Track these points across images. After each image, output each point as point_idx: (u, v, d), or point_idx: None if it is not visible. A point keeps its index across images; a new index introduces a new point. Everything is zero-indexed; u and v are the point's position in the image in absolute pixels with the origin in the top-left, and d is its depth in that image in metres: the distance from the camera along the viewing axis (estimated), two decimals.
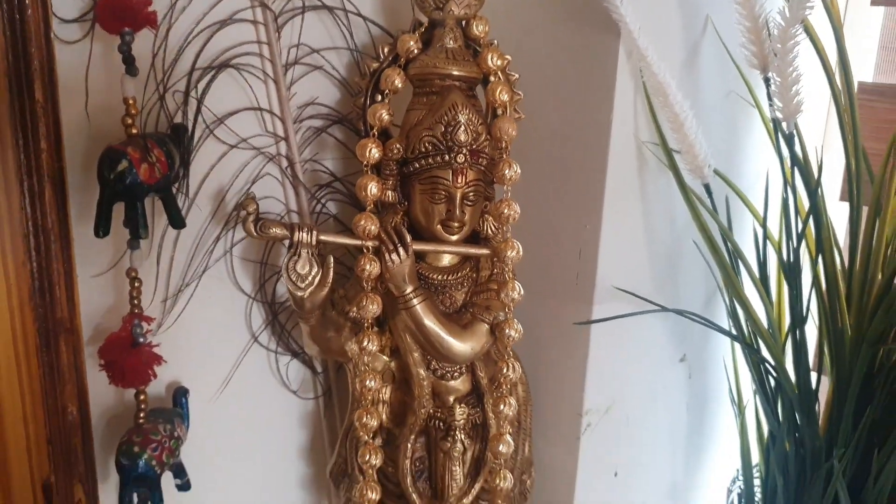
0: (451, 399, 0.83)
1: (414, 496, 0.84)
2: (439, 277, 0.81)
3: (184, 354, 0.82)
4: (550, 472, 0.95)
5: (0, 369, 0.70)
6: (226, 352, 0.85)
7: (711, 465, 1.11)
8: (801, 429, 0.90)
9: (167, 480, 0.78)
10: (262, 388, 0.89)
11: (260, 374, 0.88)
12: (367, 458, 0.80)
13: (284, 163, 0.83)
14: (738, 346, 0.97)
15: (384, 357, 0.83)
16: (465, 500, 0.85)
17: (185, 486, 0.78)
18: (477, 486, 0.85)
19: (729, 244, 0.87)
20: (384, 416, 0.85)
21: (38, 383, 0.73)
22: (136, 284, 0.72)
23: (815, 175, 0.80)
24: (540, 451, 0.94)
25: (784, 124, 0.79)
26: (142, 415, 0.74)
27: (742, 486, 1.00)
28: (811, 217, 0.82)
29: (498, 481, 0.81)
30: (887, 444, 0.85)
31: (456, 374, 0.83)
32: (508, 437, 0.81)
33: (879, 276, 0.82)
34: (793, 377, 0.90)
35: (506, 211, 0.76)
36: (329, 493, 0.98)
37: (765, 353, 0.91)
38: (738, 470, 1.02)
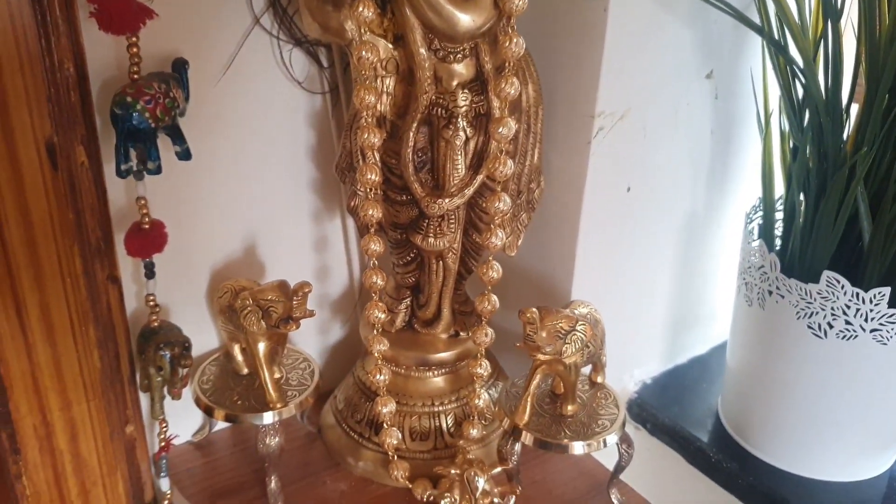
0: (454, 84, 0.81)
1: (416, 185, 0.84)
2: None
3: (182, 30, 0.80)
4: (559, 181, 0.94)
5: None
6: (227, 33, 0.83)
7: (732, 196, 1.08)
8: (825, 136, 0.86)
9: (168, 149, 0.79)
10: (266, 77, 0.87)
11: (264, 63, 0.87)
12: (366, 136, 0.79)
13: None
14: (768, 59, 0.91)
15: (387, 43, 0.80)
16: (466, 191, 0.84)
17: (185, 154, 0.78)
18: (479, 179, 0.84)
19: None
20: (387, 107, 0.83)
21: (32, 34, 0.72)
22: None
23: None
24: (550, 159, 0.93)
25: None
26: (135, 68, 0.74)
27: (762, 212, 0.97)
28: None
29: (498, 166, 0.79)
30: None
31: (459, 55, 0.80)
32: (510, 121, 0.78)
33: None
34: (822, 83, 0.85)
35: None
36: (340, 197, 0.98)
37: (794, 54, 0.85)
38: (759, 198, 0.98)
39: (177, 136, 0.77)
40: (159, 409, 0.86)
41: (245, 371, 0.93)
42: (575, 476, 0.97)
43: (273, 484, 0.90)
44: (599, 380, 0.93)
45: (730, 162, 1.05)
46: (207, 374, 0.93)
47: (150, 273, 0.82)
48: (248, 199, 0.92)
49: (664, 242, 1.04)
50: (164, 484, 0.92)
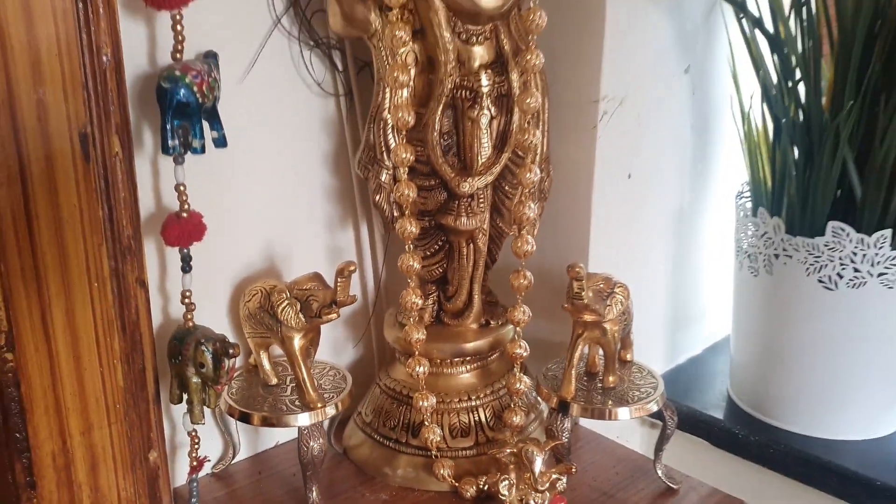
0: (476, 65, 0.85)
1: (445, 167, 0.86)
2: None
3: (207, 29, 0.81)
4: (568, 169, 0.97)
5: None
6: (248, 34, 0.85)
7: (713, 189, 1.14)
8: (807, 97, 0.94)
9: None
10: (282, 79, 0.89)
11: (281, 64, 0.88)
12: (401, 115, 0.81)
13: None
14: (739, 48, 1.01)
15: (404, 35, 0.84)
16: (494, 169, 0.87)
17: (221, 141, 0.77)
18: (504, 157, 0.87)
19: None
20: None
21: (70, 16, 0.72)
22: None
23: None
24: (555, 148, 0.96)
25: None
26: (180, 46, 0.74)
27: (751, 187, 1.03)
28: None
29: (528, 137, 0.83)
30: (892, 99, 0.89)
31: (480, 37, 0.84)
32: (536, 93, 0.82)
33: None
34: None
35: None
36: (355, 205, 0.98)
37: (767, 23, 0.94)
38: (743, 182, 1.05)
39: (215, 120, 0.77)
40: (199, 413, 0.80)
41: (274, 381, 0.89)
42: (614, 463, 0.96)
43: (315, 494, 0.85)
44: (629, 357, 0.94)
45: (708, 156, 1.12)
46: (233, 387, 0.88)
47: (186, 266, 0.79)
48: (263, 204, 0.91)
49: (661, 233, 1.08)
50: None
